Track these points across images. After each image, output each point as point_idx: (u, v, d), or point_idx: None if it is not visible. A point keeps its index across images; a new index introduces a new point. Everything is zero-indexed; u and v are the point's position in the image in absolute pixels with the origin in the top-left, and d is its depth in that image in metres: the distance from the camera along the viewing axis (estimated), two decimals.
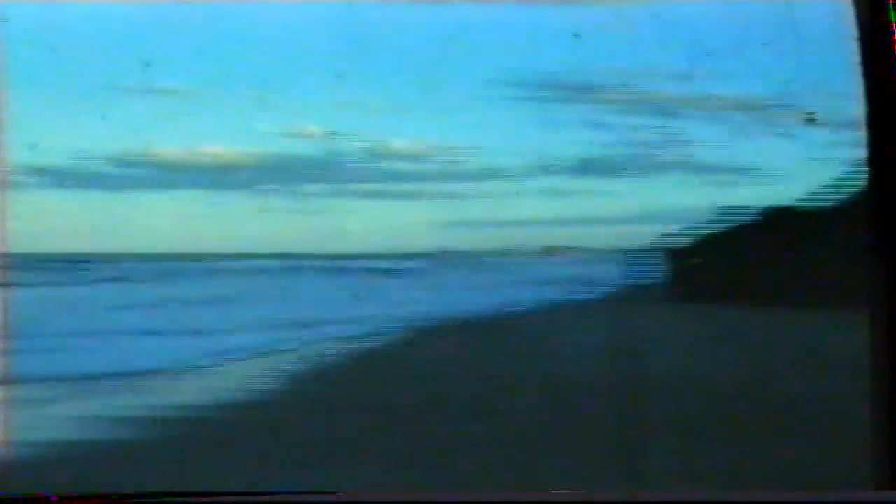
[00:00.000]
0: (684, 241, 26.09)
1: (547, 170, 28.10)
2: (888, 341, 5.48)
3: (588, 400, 14.70)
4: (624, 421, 13.34)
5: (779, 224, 25.62)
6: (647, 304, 24.61)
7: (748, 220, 25.76)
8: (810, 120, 20.95)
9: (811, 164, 27.26)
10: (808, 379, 16.11)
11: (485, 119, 26.94)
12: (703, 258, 25.70)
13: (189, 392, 16.00)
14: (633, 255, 25.93)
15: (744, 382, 15.81)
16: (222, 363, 17.81)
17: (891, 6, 5.54)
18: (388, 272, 30.23)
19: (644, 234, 25.61)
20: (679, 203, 27.69)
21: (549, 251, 28.70)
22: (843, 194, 27.09)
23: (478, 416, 13.62)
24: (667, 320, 22.38)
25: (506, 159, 27.98)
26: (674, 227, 25.87)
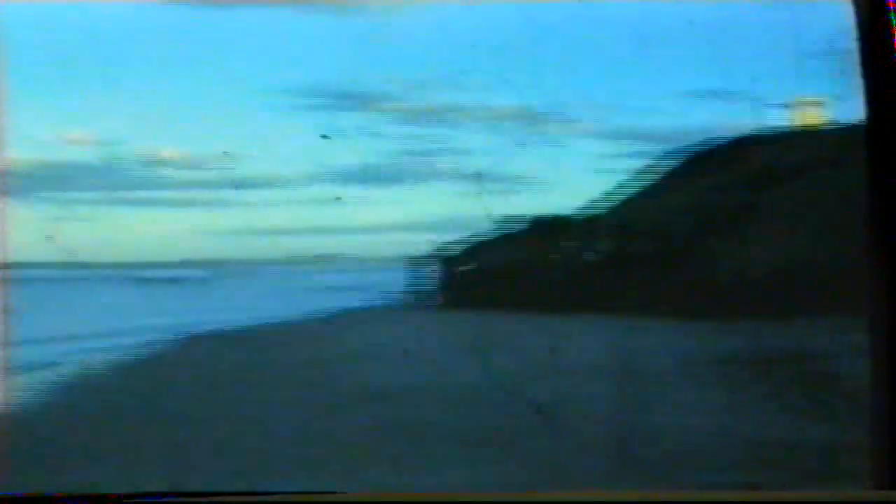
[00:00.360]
0: (460, 250, 26.53)
1: (324, 178, 28.21)
2: (888, 343, 5.50)
3: (353, 407, 14.88)
4: (385, 427, 13.55)
5: (551, 232, 26.31)
6: (421, 312, 24.95)
7: (522, 229, 26.36)
8: None
9: (584, 175, 27.95)
10: (558, 384, 16.59)
11: (262, 126, 26.87)
12: (478, 266, 26.20)
13: None
14: (410, 263, 26.24)
15: (499, 388, 16.17)
16: None
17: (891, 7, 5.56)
18: (167, 282, 29.86)
19: (420, 243, 25.93)
20: (454, 212, 28.07)
21: (327, 259, 28.79)
22: (614, 204, 28.00)
23: (248, 424, 13.66)
24: (439, 327, 22.74)
25: (283, 167, 27.91)
26: (449, 236, 26.28)
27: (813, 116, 27.79)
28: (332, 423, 13.86)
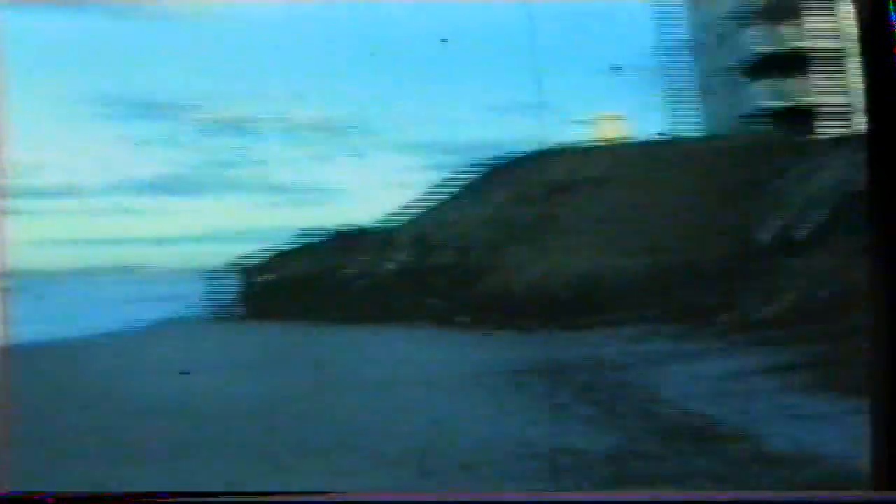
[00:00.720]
0: (261, 260, 26.37)
1: (125, 188, 27.77)
2: (888, 343, 5.37)
3: (125, 422, 14.66)
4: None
5: (352, 244, 26.34)
6: (220, 323, 24.66)
7: (323, 240, 26.35)
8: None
9: (385, 187, 28.05)
10: (355, 396, 16.59)
11: (62, 135, 26.34)
12: (279, 277, 26.03)
13: None
14: (211, 274, 25.95)
15: (285, 400, 16.08)
16: None
17: (891, 6, 5.49)
18: None
19: (221, 253, 25.68)
20: (255, 222, 27.92)
21: (127, 270, 28.32)
22: (415, 216, 28.17)
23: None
24: (236, 339, 22.49)
25: (83, 177, 27.38)
26: (250, 247, 26.09)
27: (613, 131, 28.42)
28: (95, 439, 13.65)
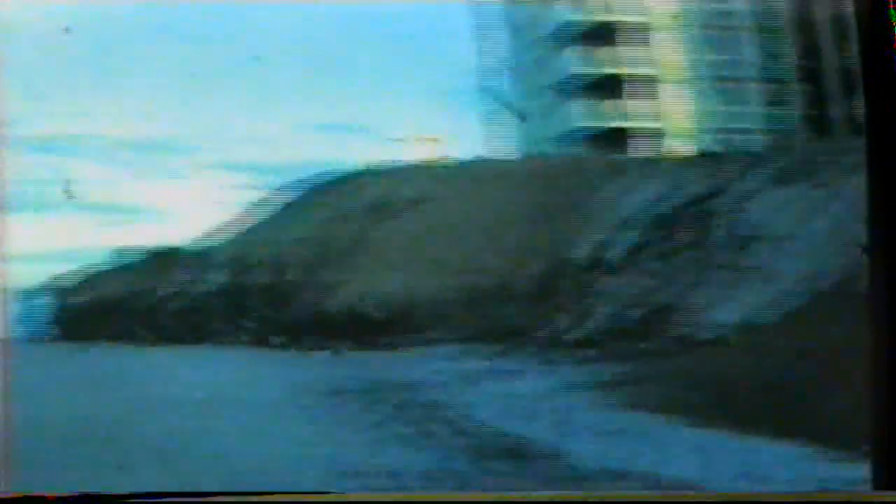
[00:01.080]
0: (74, 281, 25.92)
1: None
2: (888, 343, 5.25)
3: None
4: None
5: (167, 264, 26.07)
6: (30, 345, 24.16)
7: (137, 260, 26.03)
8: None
9: (202, 206, 27.76)
10: (168, 418, 16.44)
11: None
12: (92, 297, 25.66)
13: None
14: (21, 295, 25.44)
15: (104, 424, 15.87)
16: None
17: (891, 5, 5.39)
18: None
19: (32, 273, 25.15)
20: (68, 242, 27.34)
21: None
22: (231, 235, 27.98)
23: None
24: (47, 361, 22.05)
25: None
26: (63, 267, 25.63)
27: (430, 151, 28.64)
28: None
